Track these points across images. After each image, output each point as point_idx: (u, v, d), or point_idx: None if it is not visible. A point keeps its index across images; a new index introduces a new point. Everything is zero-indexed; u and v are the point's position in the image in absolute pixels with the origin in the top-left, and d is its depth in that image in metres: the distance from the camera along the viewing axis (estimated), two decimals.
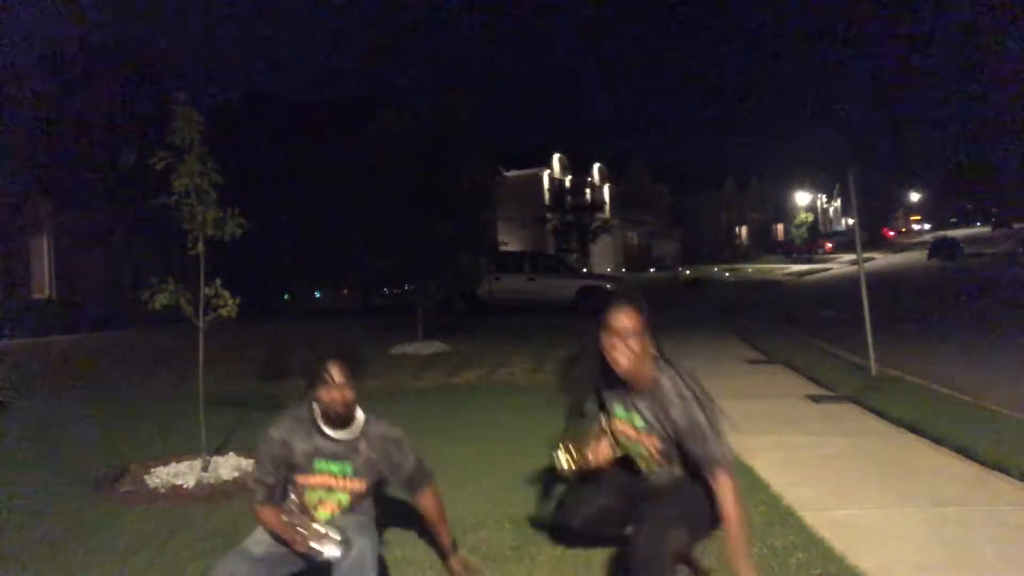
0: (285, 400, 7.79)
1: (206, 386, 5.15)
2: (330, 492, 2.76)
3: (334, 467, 2.75)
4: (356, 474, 2.77)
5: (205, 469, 4.92)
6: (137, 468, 5.08)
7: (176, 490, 4.62)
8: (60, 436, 6.36)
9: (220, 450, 5.37)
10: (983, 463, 4.72)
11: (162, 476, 4.84)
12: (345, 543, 2.57)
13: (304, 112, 28.96)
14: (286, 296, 25.43)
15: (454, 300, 14.69)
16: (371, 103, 27.77)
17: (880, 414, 6.28)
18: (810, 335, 12.63)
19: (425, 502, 2.96)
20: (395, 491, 3.16)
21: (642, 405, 2.64)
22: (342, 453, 2.75)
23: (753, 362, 9.74)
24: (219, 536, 3.77)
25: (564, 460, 2.76)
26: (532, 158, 38.45)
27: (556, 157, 40.76)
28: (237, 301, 5.01)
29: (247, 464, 5.09)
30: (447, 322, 14.42)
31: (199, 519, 4.06)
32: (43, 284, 18.20)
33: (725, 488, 2.44)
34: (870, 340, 8.21)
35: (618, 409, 2.74)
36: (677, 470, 2.66)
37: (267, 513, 2.73)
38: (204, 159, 4.90)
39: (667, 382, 2.56)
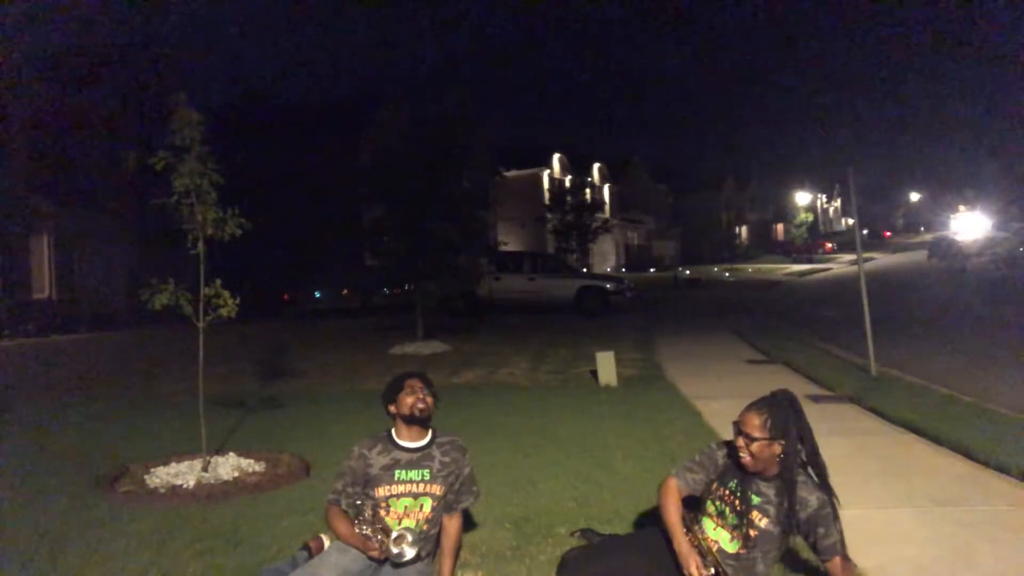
0: (285, 400, 7.81)
1: (206, 386, 5.16)
2: (415, 499, 2.94)
3: (413, 474, 2.96)
4: (433, 479, 2.98)
5: (205, 469, 4.91)
6: (137, 468, 5.07)
7: (176, 490, 4.61)
8: (60, 436, 6.36)
9: (220, 450, 5.37)
10: (983, 463, 4.73)
11: (162, 476, 4.84)
12: (417, 544, 2.78)
13: (304, 112, 28.98)
14: (286, 296, 25.44)
15: (454, 300, 14.68)
16: (371, 103, 27.79)
17: (880, 414, 6.29)
18: (810, 335, 12.64)
19: (450, 524, 3.03)
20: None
21: (766, 488, 2.69)
22: (417, 461, 2.99)
23: (753, 362, 9.74)
24: (219, 536, 3.77)
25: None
26: (532, 158, 38.47)
27: (556, 157, 40.77)
28: (237, 301, 5.01)
29: (247, 464, 5.09)
30: (447, 322, 14.42)
31: (199, 519, 4.05)
32: (43, 284, 18.19)
33: (847, 572, 2.65)
34: (870, 340, 8.21)
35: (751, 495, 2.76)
36: (760, 567, 2.67)
37: (343, 522, 2.92)
38: (204, 159, 4.90)
39: (801, 478, 2.67)
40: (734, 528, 2.67)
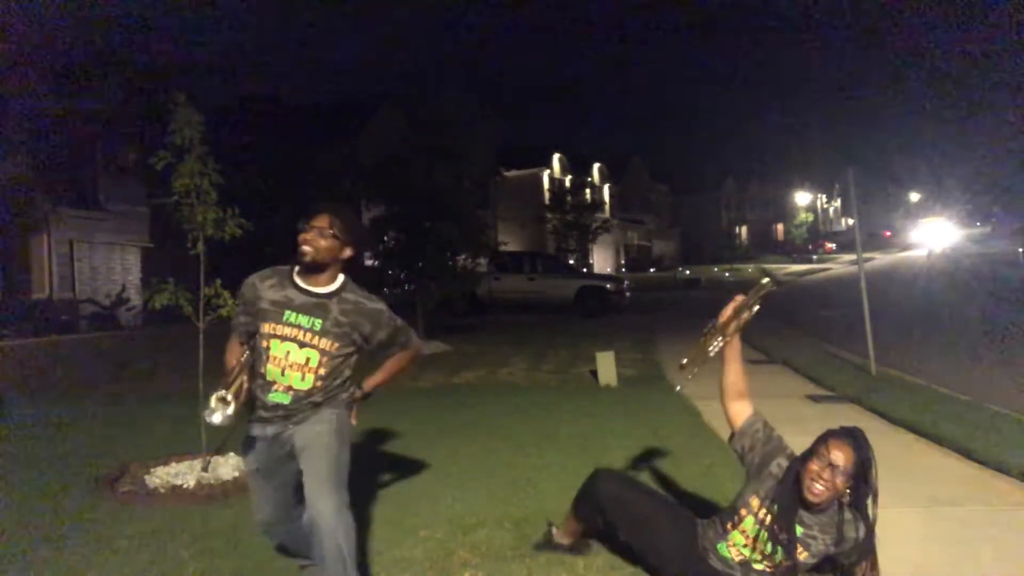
0: None
1: (206, 386, 5.15)
2: (301, 347, 2.66)
3: (303, 319, 2.66)
4: (324, 333, 2.67)
5: (205, 469, 4.91)
6: (137, 468, 5.07)
7: (176, 490, 4.61)
8: (60, 436, 6.35)
9: (220, 450, 5.35)
10: (983, 463, 4.73)
11: (162, 476, 4.83)
12: (230, 416, 2.62)
13: (304, 112, 28.97)
14: None
15: (454, 300, 14.69)
16: (371, 103, 27.79)
17: (880, 414, 6.28)
18: (810, 335, 12.63)
19: (393, 356, 2.97)
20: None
21: (810, 519, 2.60)
22: (311, 308, 2.68)
23: (753, 362, 9.73)
24: (219, 536, 3.77)
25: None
26: (532, 158, 38.47)
27: (556, 157, 40.76)
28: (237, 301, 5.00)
29: None
30: (447, 322, 14.42)
31: (199, 519, 4.05)
32: (43, 284, 18.18)
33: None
34: (870, 340, 8.21)
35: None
36: None
37: (232, 353, 2.81)
38: (204, 159, 4.90)
39: (848, 516, 2.60)
40: (765, 556, 2.60)
